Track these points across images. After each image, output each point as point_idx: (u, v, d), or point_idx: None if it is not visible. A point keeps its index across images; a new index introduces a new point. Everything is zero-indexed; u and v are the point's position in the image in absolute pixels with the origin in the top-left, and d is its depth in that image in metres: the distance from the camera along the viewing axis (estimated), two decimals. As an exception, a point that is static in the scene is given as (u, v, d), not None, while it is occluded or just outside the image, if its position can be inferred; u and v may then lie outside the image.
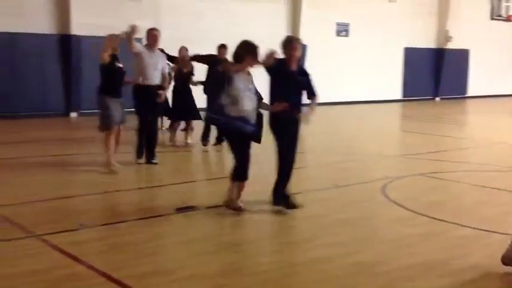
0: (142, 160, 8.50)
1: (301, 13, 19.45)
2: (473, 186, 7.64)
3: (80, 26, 15.20)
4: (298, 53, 6.14)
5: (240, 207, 5.98)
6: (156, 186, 7.54)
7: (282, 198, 6.04)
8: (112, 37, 8.07)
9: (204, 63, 10.47)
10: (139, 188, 7.37)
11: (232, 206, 5.98)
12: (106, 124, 7.90)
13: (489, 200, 6.92)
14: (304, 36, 19.53)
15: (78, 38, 15.23)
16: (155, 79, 8.42)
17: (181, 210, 6.07)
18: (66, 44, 15.22)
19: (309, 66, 20.36)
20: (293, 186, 7.41)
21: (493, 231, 5.53)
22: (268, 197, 6.13)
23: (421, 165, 9.08)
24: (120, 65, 8.04)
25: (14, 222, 5.44)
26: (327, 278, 4.32)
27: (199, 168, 9.52)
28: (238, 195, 6.03)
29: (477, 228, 5.60)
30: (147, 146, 8.49)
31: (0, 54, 14.35)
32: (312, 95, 6.46)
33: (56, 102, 15.33)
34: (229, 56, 9.96)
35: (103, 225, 5.54)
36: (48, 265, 4.38)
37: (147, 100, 8.29)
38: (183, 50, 10.60)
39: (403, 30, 22.23)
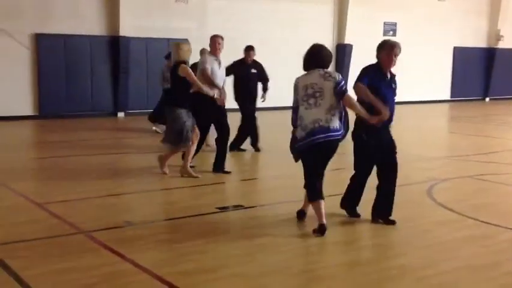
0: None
1: (347, 12, 19.30)
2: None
3: (129, 27, 15.55)
4: (395, 60, 5.96)
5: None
6: (200, 185, 7.62)
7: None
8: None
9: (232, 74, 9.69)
10: (185, 187, 7.46)
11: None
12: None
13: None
14: (351, 36, 19.44)
15: (127, 40, 15.57)
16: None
17: (224, 209, 6.13)
18: (115, 45, 15.58)
19: (355, 66, 20.35)
20: (335, 188, 7.41)
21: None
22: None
23: (468, 167, 8.88)
24: None
25: (65, 219, 5.61)
26: (368, 281, 4.28)
27: (241, 168, 9.58)
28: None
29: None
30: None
31: (53, 55, 14.84)
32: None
33: (105, 102, 15.72)
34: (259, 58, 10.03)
35: (147, 222, 5.64)
36: (97, 262, 4.50)
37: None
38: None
39: (452, 29, 21.77)
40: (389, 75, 5.87)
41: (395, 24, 20.76)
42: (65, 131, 12.88)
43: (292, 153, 5.58)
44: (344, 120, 5.51)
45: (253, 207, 6.35)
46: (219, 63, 8.12)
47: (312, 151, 5.35)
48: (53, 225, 5.48)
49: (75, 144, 10.83)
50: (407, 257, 4.79)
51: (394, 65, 5.85)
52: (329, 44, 19.54)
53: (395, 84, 5.96)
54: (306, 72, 5.61)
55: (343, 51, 19.49)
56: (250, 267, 4.52)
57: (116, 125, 14.56)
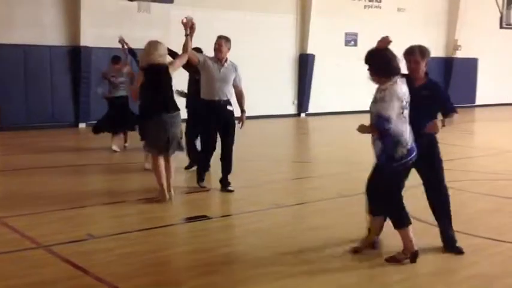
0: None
1: (310, 23, 19.53)
2: (482, 195, 7.62)
3: (90, 37, 15.38)
4: (416, 66, 5.31)
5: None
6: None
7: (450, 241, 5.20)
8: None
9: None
10: (148, 198, 7.39)
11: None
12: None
13: (497, 209, 6.89)
14: (313, 46, 19.67)
15: (88, 49, 15.39)
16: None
17: (190, 219, 6.11)
18: (76, 55, 15.38)
19: (318, 76, 20.63)
20: (298, 197, 7.45)
21: (501, 241, 5.51)
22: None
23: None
24: None
25: (24, 233, 5.49)
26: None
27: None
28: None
29: (485, 237, 5.58)
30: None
31: (13, 66, 14.55)
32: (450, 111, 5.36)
33: (66, 113, 15.48)
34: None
35: (110, 235, 5.57)
36: (56, 276, 4.42)
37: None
38: None
39: (412, 39, 22.03)
40: (417, 84, 5.21)
41: (356, 35, 21.10)
42: (25, 143, 12.61)
43: (388, 175, 4.93)
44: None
45: (219, 217, 6.34)
46: (221, 66, 7.30)
47: (404, 171, 4.94)
48: (11, 239, 5.36)
49: (36, 156, 10.61)
50: (369, 263, 4.85)
51: (415, 71, 5.33)
52: (292, 54, 19.75)
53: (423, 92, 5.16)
54: (390, 78, 4.90)
55: (306, 61, 19.70)
56: (214, 278, 4.51)
57: (77, 136, 14.35)
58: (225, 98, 7.32)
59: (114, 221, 6.24)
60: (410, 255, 4.80)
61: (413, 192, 5.55)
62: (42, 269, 4.59)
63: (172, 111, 6.74)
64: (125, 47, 10.96)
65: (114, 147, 10.81)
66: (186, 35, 7.06)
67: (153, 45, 6.80)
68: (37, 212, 6.37)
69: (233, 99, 7.49)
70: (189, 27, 7.08)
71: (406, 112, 4.75)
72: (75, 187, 7.93)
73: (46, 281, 4.32)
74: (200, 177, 7.67)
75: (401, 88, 4.80)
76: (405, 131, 4.71)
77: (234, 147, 7.53)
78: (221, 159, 7.52)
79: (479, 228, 5.95)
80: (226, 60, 7.34)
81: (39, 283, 4.28)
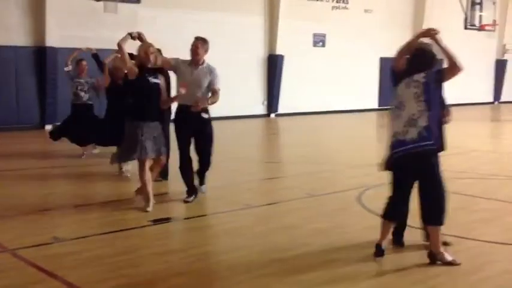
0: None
1: (278, 24, 19.61)
2: (449, 193, 7.72)
3: (56, 38, 15.15)
4: None
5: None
6: (131, 198, 7.49)
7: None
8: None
9: None
10: (114, 201, 7.30)
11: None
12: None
13: (463, 207, 7.01)
14: (282, 47, 19.74)
15: (54, 50, 15.15)
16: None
17: (156, 221, 6.06)
18: (41, 56, 15.12)
19: (286, 76, 20.72)
20: (268, 197, 7.47)
21: (466, 238, 5.61)
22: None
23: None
24: (157, 81, 6.53)
25: (-12, 237, 5.37)
26: (302, 288, 4.34)
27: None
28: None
29: (450, 235, 5.67)
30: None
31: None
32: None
33: (32, 114, 15.21)
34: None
35: (77, 238, 5.49)
36: (23, 280, 4.34)
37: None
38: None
39: (379, 40, 22.50)
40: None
41: (324, 36, 21.26)
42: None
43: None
44: None
45: (191, 218, 6.29)
46: (194, 69, 6.76)
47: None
48: (-25, 244, 5.24)
49: (1, 158, 10.39)
50: (337, 263, 4.87)
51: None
52: (261, 54, 19.79)
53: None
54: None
55: (275, 61, 19.76)
56: (185, 279, 4.48)
57: (43, 139, 14.07)
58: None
59: (79, 224, 6.14)
60: (448, 260, 4.82)
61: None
62: (9, 272, 4.49)
63: None
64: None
65: (94, 150, 10.49)
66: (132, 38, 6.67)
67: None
68: (1, 216, 6.23)
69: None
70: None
71: None
72: (40, 190, 7.79)
73: (14, 285, 4.24)
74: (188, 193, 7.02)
75: None
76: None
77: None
78: (198, 163, 7.09)
79: (445, 225, 6.04)
80: (202, 63, 6.77)
81: (7, 287, 4.18)
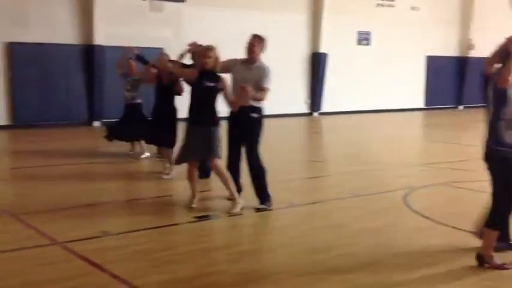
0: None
1: (322, 21, 19.48)
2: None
3: (103, 36, 15.46)
4: None
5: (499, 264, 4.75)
6: (174, 196, 7.59)
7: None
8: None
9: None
10: (161, 197, 7.41)
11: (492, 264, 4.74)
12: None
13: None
14: (325, 45, 19.61)
15: (101, 48, 15.46)
16: None
17: (201, 218, 6.11)
18: (89, 54, 15.47)
19: (330, 74, 20.54)
20: (313, 196, 7.44)
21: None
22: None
23: (443, 175, 9.00)
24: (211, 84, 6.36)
25: (40, 230, 5.53)
26: (346, 286, 4.30)
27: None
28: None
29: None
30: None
31: (27, 64, 14.67)
32: None
33: (80, 111, 15.58)
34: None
35: (124, 233, 5.59)
36: (72, 272, 4.44)
37: None
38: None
39: (426, 38, 22.11)
40: None
41: (369, 33, 21.01)
42: (40, 141, 12.69)
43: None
44: None
45: (234, 216, 6.31)
46: (248, 67, 6.57)
47: None
48: (28, 236, 5.39)
49: (50, 153, 10.68)
50: (383, 263, 4.82)
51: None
52: (304, 52, 19.71)
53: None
54: None
55: (318, 60, 19.65)
56: (229, 276, 4.51)
57: (91, 134, 14.41)
58: (246, 105, 6.40)
59: (127, 219, 6.26)
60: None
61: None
62: (59, 265, 4.61)
63: None
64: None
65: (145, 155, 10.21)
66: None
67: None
68: (52, 209, 6.41)
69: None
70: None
71: None
72: (88, 185, 7.95)
73: (63, 277, 4.35)
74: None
75: None
76: None
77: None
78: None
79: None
80: (257, 62, 6.56)
81: (57, 279, 4.30)
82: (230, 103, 6.37)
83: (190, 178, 6.60)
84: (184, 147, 6.51)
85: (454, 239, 5.53)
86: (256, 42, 6.52)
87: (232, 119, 6.60)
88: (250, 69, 6.52)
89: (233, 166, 6.72)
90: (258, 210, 6.47)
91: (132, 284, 4.21)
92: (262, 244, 5.51)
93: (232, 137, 6.63)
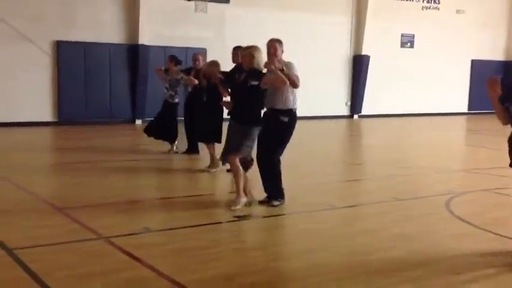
0: None
1: (365, 23, 19.35)
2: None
3: (148, 36, 15.74)
4: None
5: None
6: (219, 193, 7.68)
7: None
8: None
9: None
10: (201, 195, 7.51)
11: None
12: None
13: None
14: (368, 47, 19.48)
15: (146, 48, 15.74)
16: None
17: (241, 218, 6.18)
18: (134, 53, 15.77)
19: (373, 77, 20.43)
20: (351, 199, 7.42)
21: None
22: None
23: (486, 181, 8.83)
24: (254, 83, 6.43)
25: (85, 224, 5.69)
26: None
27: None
28: None
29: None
30: None
31: (73, 62, 15.08)
32: None
33: (123, 109, 15.89)
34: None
35: (165, 230, 5.70)
36: (116, 266, 4.57)
37: None
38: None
39: (471, 41, 21.72)
40: None
41: (413, 36, 20.77)
42: (84, 138, 13.03)
43: None
44: None
45: (272, 216, 6.36)
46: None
47: None
48: (73, 230, 5.56)
49: (94, 150, 10.96)
50: (422, 269, 4.78)
51: None
52: (346, 54, 19.61)
53: None
54: None
55: (360, 62, 19.53)
56: (266, 276, 4.55)
57: (133, 132, 14.69)
58: (277, 107, 6.45)
59: (168, 216, 6.37)
60: None
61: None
62: (104, 259, 4.74)
63: None
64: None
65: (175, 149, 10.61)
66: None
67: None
68: (95, 205, 6.59)
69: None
70: None
71: None
72: (130, 182, 8.14)
73: (107, 270, 4.47)
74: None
75: None
76: None
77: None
78: None
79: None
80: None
81: (102, 272, 4.42)
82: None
83: (234, 176, 6.68)
84: (226, 145, 6.67)
85: (497, 246, 5.44)
86: (277, 46, 6.56)
87: (263, 121, 6.58)
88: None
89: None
90: (260, 202, 6.65)
91: (174, 280, 4.30)
92: (300, 245, 5.52)
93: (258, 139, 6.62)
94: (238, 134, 6.47)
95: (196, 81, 9.34)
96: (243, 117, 6.51)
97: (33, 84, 14.70)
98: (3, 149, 11.04)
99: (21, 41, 14.33)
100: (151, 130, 10.55)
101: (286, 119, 6.51)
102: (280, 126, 6.51)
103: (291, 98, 6.51)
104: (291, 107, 6.51)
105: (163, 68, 10.57)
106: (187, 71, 9.99)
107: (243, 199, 6.56)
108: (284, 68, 6.34)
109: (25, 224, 5.72)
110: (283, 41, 6.71)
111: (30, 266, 4.45)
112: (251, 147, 6.58)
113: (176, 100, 10.40)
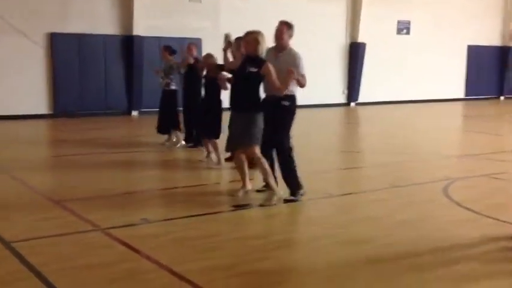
0: None
1: (361, 11, 19.26)
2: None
3: (142, 27, 15.64)
4: None
5: None
6: (216, 183, 7.65)
7: None
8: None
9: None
10: (199, 185, 7.48)
11: None
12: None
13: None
14: (364, 35, 19.39)
15: (140, 39, 15.65)
16: None
17: (238, 207, 6.16)
18: (129, 44, 15.68)
19: (369, 64, 20.35)
20: (350, 186, 7.40)
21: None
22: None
23: (484, 166, 8.83)
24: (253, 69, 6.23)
25: (82, 216, 5.66)
26: (384, 279, 4.27)
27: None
28: None
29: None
30: None
31: (68, 54, 14.98)
32: None
33: (119, 101, 15.82)
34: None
35: (163, 220, 5.68)
36: (114, 258, 4.54)
37: None
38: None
39: (467, 27, 21.65)
40: None
41: (409, 23, 20.69)
42: (80, 130, 12.97)
43: None
44: None
45: (268, 206, 6.33)
46: (278, 54, 6.50)
47: None
48: (70, 222, 5.53)
49: (91, 142, 10.91)
50: (422, 256, 4.77)
51: None
52: (342, 42, 19.53)
53: None
54: None
55: (357, 49, 19.46)
56: (267, 264, 4.53)
57: (130, 124, 14.64)
58: (278, 93, 6.24)
59: (166, 206, 6.35)
60: None
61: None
62: (102, 250, 4.73)
63: None
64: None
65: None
66: (224, 50, 6.76)
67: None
68: (93, 197, 6.56)
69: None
70: (226, 44, 6.74)
71: None
72: (127, 174, 8.11)
73: (105, 262, 4.45)
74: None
75: None
76: None
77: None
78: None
79: None
80: (286, 48, 6.44)
81: (100, 264, 4.40)
82: (275, 88, 6.20)
83: (237, 166, 6.62)
84: (230, 135, 6.51)
85: (496, 231, 5.43)
86: (285, 29, 6.38)
87: (264, 108, 6.39)
88: (278, 57, 6.38)
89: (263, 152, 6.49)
90: (286, 201, 6.39)
91: (172, 270, 4.28)
92: (299, 234, 5.52)
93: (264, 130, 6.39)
94: (242, 125, 6.26)
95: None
96: (244, 105, 6.29)
97: (28, 77, 14.60)
98: (-1, 143, 10.99)
99: (14, 34, 14.22)
100: (161, 127, 10.41)
101: (287, 103, 6.38)
102: (282, 111, 6.37)
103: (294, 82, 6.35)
104: (291, 92, 6.39)
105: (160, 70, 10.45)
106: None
107: (278, 194, 6.37)
108: (299, 78, 6.19)
109: (22, 217, 5.68)
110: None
111: (28, 259, 4.42)
112: (258, 137, 6.27)
113: (173, 87, 10.29)
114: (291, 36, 6.48)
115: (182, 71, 9.92)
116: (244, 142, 6.31)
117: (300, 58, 6.39)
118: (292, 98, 6.45)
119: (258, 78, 6.24)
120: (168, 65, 10.22)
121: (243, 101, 6.31)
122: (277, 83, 6.15)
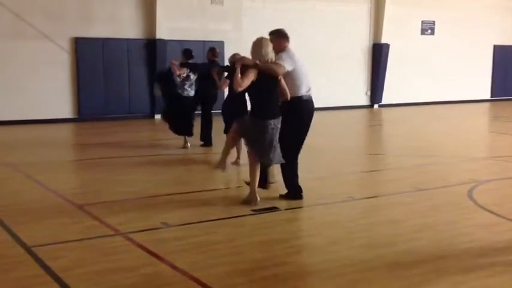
0: None
1: (384, 11, 19.08)
2: None
3: (165, 30, 15.73)
4: None
5: None
6: (237, 187, 7.63)
7: None
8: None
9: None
10: (219, 189, 7.46)
11: None
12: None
13: None
14: (387, 36, 19.21)
15: (163, 42, 15.74)
16: None
17: (259, 211, 6.12)
18: (152, 48, 15.77)
19: (392, 66, 20.14)
20: (372, 189, 7.31)
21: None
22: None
23: (510, 168, 8.65)
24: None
25: (103, 221, 5.68)
26: (405, 285, 4.19)
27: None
28: None
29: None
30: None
31: (92, 58, 15.13)
32: None
33: (142, 104, 15.93)
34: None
35: (183, 224, 5.67)
36: (134, 263, 4.54)
37: None
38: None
39: (493, 27, 21.30)
40: None
41: (433, 23, 20.43)
42: (103, 133, 13.09)
43: None
44: None
45: (292, 209, 6.29)
46: None
47: None
48: (91, 226, 5.56)
49: (113, 146, 10.98)
50: (446, 260, 4.67)
51: None
52: (365, 43, 19.38)
53: None
54: None
55: (380, 50, 19.28)
56: (287, 269, 4.49)
57: (153, 127, 14.72)
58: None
59: (186, 210, 6.32)
60: None
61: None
62: (121, 255, 4.73)
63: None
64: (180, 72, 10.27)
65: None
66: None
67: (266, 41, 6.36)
68: (114, 201, 6.60)
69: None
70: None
71: None
72: (148, 177, 8.13)
73: (124, 267, 4.45)
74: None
75: None
76: None
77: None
78: None
79: None
80: (282, 51, 6.48)
81: (119, 269, 4.41)
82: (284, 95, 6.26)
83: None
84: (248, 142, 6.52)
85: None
86: (272, 43, 6.42)
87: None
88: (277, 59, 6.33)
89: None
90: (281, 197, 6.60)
91: (191, 275, 4.27)
92: (319, 238, 5.45)
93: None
94: (255, 131, 6.23)
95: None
96: (257, 111, 6.27)
97: (53, 82, 14.79)
98: (24, 146, 11.12)
99: (40, 39, 14.42)
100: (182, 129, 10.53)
101: (292, 107, 6.31)
102: (289, 115, 6.30)
103: (297, 84, 6.35)
104: (297, 94, 6.33)
105: (177, 63, 10.48)
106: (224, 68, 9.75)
107: (253, 198, 6.39)
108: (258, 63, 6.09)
109: (44, 221, 5.73)
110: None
111: (48, 264, 4.45)
112: (273, 146, 6.20)
113: (185, 93, 10.33)
114: (278, 43, 6.51)
115: (179, 78, 10.22)
116: (255, 151, 6.39)
117: (285, 53, 6.41)
118: (300, 100, 6.38)
119: (271, 84, 6.20)
120: (181, 79, 10.28)
121: (257, 108, 6.34)
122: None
